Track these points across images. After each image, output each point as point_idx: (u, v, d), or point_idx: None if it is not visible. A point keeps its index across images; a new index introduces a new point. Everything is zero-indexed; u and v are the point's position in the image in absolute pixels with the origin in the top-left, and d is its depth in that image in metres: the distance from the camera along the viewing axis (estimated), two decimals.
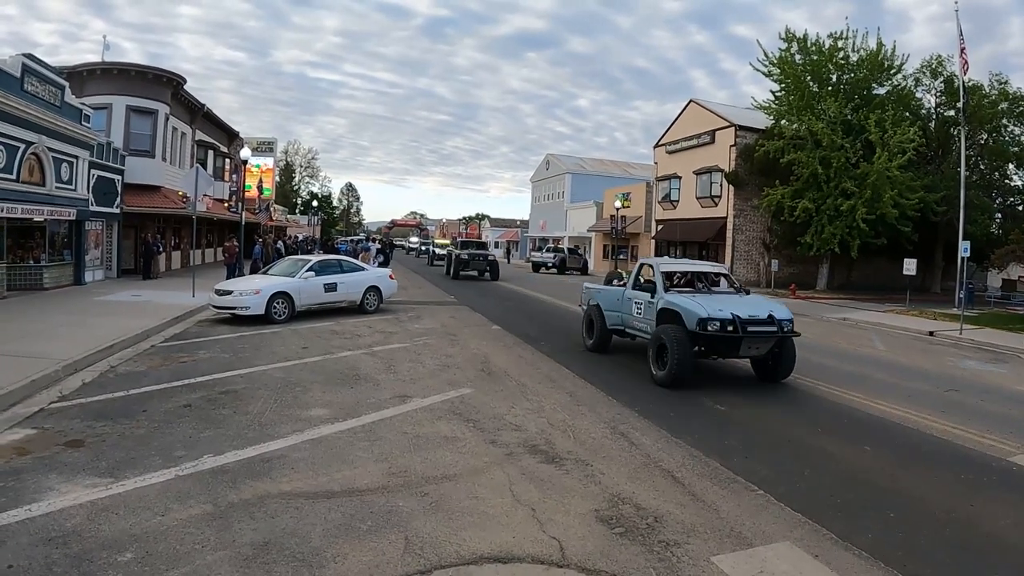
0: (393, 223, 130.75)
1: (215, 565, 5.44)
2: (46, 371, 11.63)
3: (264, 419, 9.71)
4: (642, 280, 15.62)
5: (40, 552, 5.53)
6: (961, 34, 32.45)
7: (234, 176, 47.49)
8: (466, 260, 42.83)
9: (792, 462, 8.70)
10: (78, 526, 6.04)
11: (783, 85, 41.94)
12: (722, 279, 16.04)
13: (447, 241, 75.01)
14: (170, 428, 9.11)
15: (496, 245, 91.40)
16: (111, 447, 8.22)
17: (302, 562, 5.52)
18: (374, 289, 23.30)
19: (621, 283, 17.34)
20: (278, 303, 19.91)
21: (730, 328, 12.46)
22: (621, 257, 61.52)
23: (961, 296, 28.26)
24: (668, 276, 15.22)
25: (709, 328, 12.44)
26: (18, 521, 6.09)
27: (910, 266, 30.45)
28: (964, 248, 27.08)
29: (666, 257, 17.78)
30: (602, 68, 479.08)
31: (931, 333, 23.83)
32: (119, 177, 31.22)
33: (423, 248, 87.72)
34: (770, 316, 13.02)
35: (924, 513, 7.24)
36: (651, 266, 15.44)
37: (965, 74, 34.08)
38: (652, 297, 14.38)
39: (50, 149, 24.19)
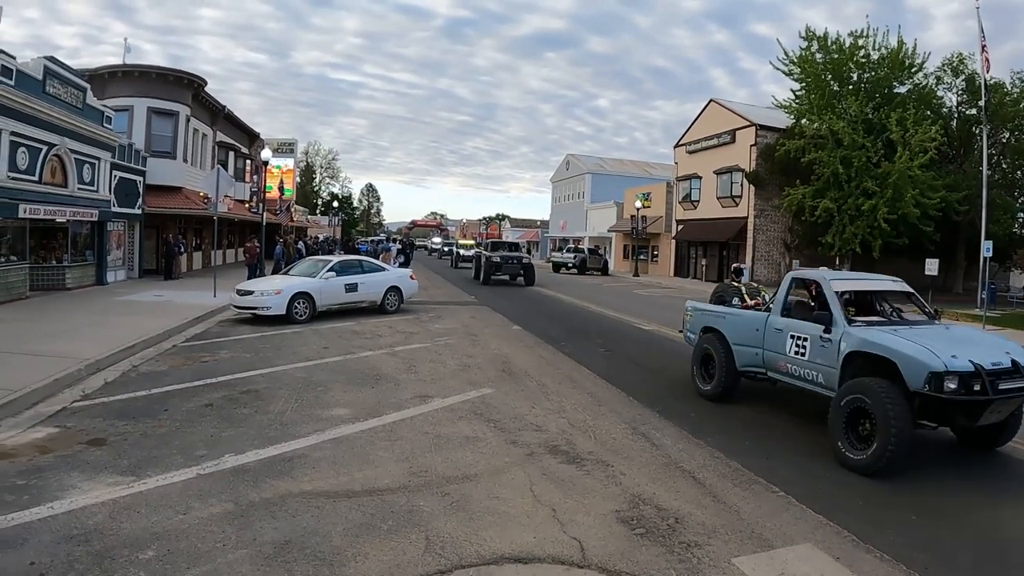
0: (413, 223, 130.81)
1: (236, 563, 5.46)
2: (68, 370, 11.71)
3: (285, 419, 9.74)
4: (796, 302, 11.22)
5: (62, 549, 5.57)
6: (982, 32, 32.23)
7: (255, 177, 47.72)
8: (498, 263, 38.66)
9: (814, 464, 8.64)
10: (100, 524, 6.08)
11: (803, 84, 41.70)
12: (909, 302, 11.84)
13: (472, 241, 72.77)
14: (192, 427, 9.15)
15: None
16: (133, 446, 8.27)
17: (323, 561, 5.53)
18: (395, 289, 23.33)
19: (755, 304, 12.79)
20: (299, 303, 19.97)
21: (977, 387, 7.95)
22: (641, 257, 61.36)
23: (983, 296, 28.04)
24: (845, 297, 10.40)
25: (946, 388, 7.88)
26: (40, 519, 6.13)
27: (932, 266, 30.20)
28: (986, 248, 26.92)
29: (825, 269, 11.03)
30: (622, 68, 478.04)
31: None
32: (140, 178, 31.41)
33: (446, 249, 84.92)
34: (1015, 364, 8.40)
35: (946, 516, 7.18)
36: (816, 282, 10.85)
37: (987, 72, 33.81)
38: (828, 331, 9.65)
39: (72, 151, 24.35)
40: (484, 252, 41.16)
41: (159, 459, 7.80)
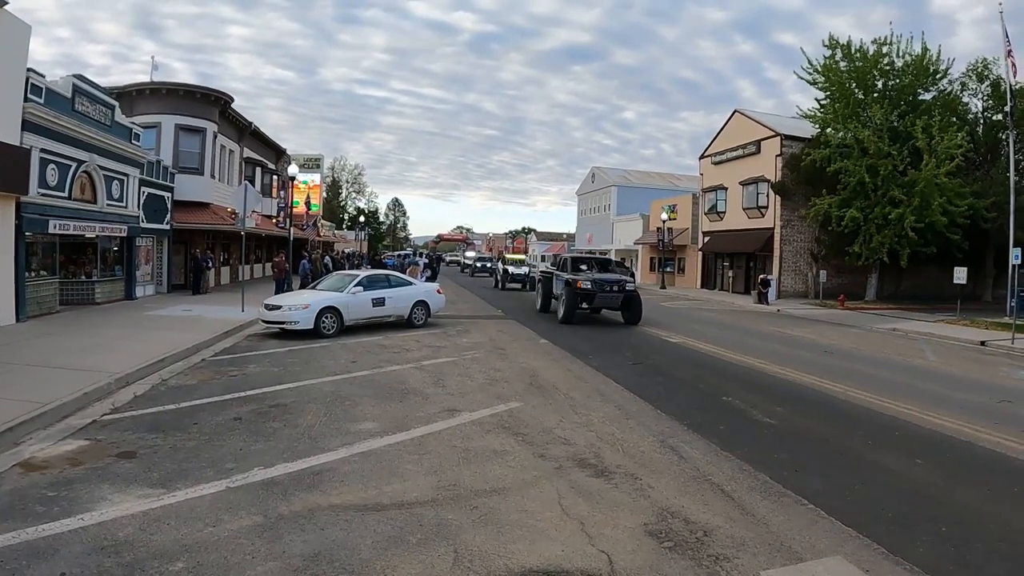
0: (440, 237, 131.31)
1: None
2: (99, 384, 11.83)
3: (314, 432, 9.78)
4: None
5: (93, 561, 5.63)
6: (1007, 36, 31.99)
7: (282, 192, 47.99)
8: (588, 292, 25.19)
9: (843, 475, 8.58)
10: (130, 536, 6.13)
11: (828, 93, 41.46)
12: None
13: (521, 256, 64.57)
14: (221, 440, 9.21)
15: (543, 259, 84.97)
16: (163, 459, 8.34)
17: (352, 574, 5.56)
18: (422, 303, 23.40)
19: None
20: (327, 318, 20.05)
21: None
22: (668, 270, 61.13)
23: (1013, 305, 27.73)
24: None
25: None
26: (71, 530, 6.21)
27: (960, 275, 29.89)
28: (1015, 255, 26.56)
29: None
30: (648, 80, 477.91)
31: (982, 343, 23.45)
32: (168, 194, 31.72)
33: (479, 264, 73.12)
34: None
35: (977, 527, 7.10)
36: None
37: (1013, 77, 33.52)
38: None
39: (101, 167, 24.62)
40: (560, 273, 27.73)
41: (188, 472, 7.85)
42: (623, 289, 25.77)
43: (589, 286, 25.17)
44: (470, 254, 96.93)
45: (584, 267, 28.00)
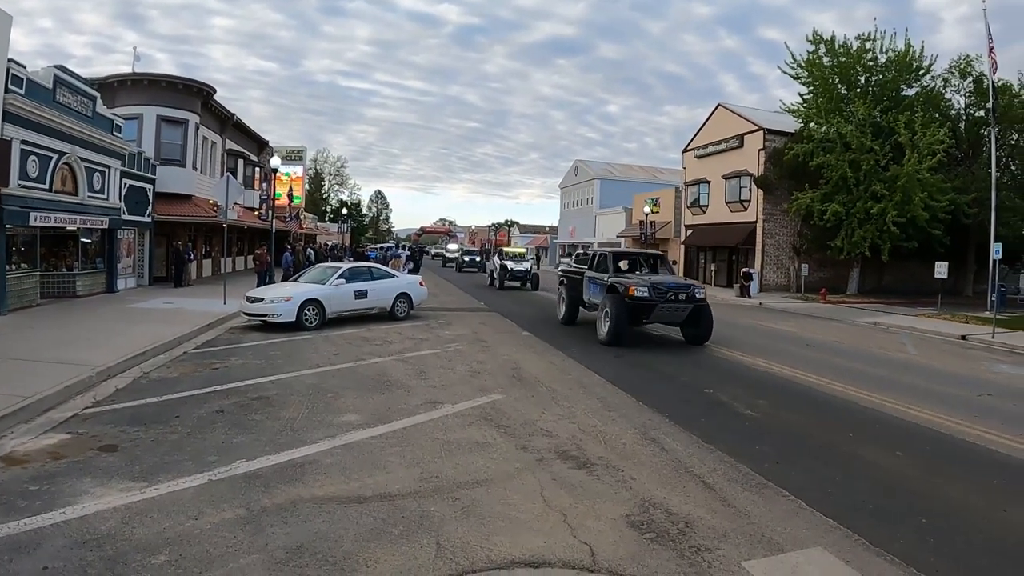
0: (422, 230, 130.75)
1: (248, 568, 5.48)
2: (80, 377, 11.76)
3: (296, 425, 9.77)
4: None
5: (75, 555, 5.61)
6: (989, 33, 32.12)
7: (264, 184, 47.83)
8: (648, 303, 18.71)
9: (824, 467, 8.64)
10: (112, 529, 6.11)
11: (811, 88, 41.70)
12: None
13: (522, 249, 54.80)
14: (203, 433, 9.19)
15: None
16: (145, 452, 8.31)
17: (334, 566, 5.55)
18: (404, 296, 23.39)
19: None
20: (309, 310, 20.02)
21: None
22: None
23: (993, 299, 27.93)
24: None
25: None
26: (53, 524, 6.18)
27: (941, 269, 30.12)
28: (996, 250, 26.77)
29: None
30: (633, 74, 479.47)
31: (963, 337, 23.59)
32: (150, 186, 31.58)
33: (466, 259, 67.02)
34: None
35: (957, 519, 7.17)
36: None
37: (994, 74, 33.70)
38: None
39: (82, 159, 24.50)
40: (597, 274, 21.16)
41: (171, 465, 7.83)
42: (692, 298, 18.88)
43: (646, 294, 18.28)
44: (453, 246, 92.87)
45: (625, 264, 22.43)
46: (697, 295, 19.01)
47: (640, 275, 20.44)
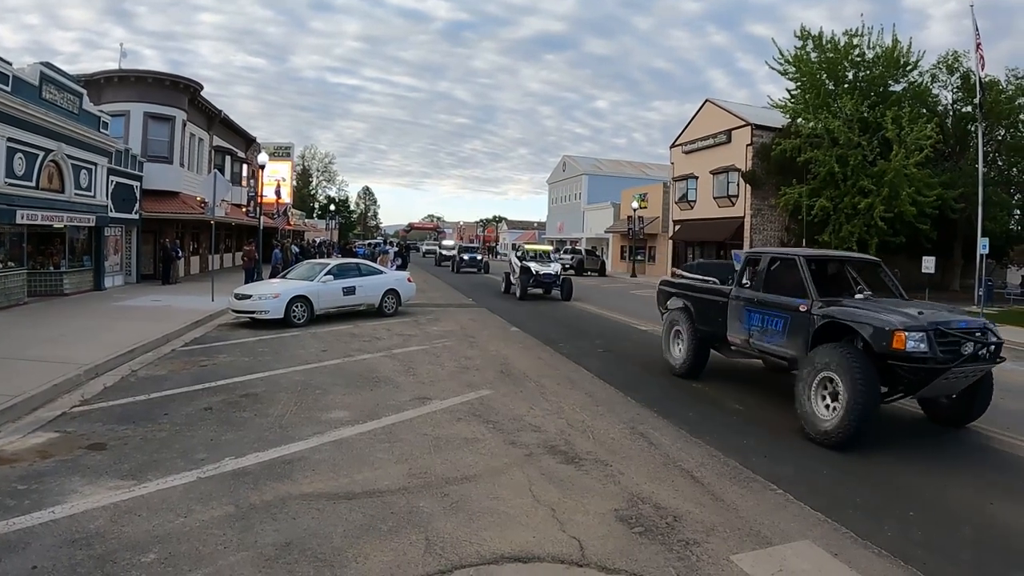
0: (411, 226, 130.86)
1: (237, 566, 5.48)
2: (68, 375, 11.73)
3: (285, 421, 9.76)
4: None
5: (64, 553, 5.59)
6: (977, 29, 32.24)
7: (251, 181, 47.70)
8: (936, 363, 9.13)
9: (811, 461, 8.68)
10: (101, 527, 6.10)
11: (799, 83, 41.75)
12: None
13: (548, 247, 41.12)
14: (191, 431, 9.18)
15: (514, 247, 74.96)
16: (133, 450, 8.29)
17: (324, 562, 5.56)
18: (392, 292, 23.36)
19: None
20: (297, 307, 19.98)
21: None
22: (639, 258, 61.26)
23: (980, 294, 28.10)
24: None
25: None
26: (42, 523, 6.16)
27: (929, 264, 30.28)
28: (983, 245, 26.94)
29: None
30: (621, 69, 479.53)
31: None
32: (137, 183, 31.44)
33: (466, 257, 56.81)
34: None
35: (944, 511, 7.23)
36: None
37: (982, 70, 33.85)
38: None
39: (69, 156, 24.39)
40: (780, 303, 11.39)
41: (159, 463, 7.82)
42: (994, 352, 9.74)
43: (925, 348, 9.10)
44: (449, 243, 78.73)
45: (832, 271, 13.26)
46: (995, 343, 9.83)
47: (880, 302, 10.98)
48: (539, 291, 32.62)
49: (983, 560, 6.15)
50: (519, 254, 35.63)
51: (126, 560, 5.50)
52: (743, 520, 6.70)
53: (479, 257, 58.30)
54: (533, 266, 32.12)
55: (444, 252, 69.93)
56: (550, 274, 31.86)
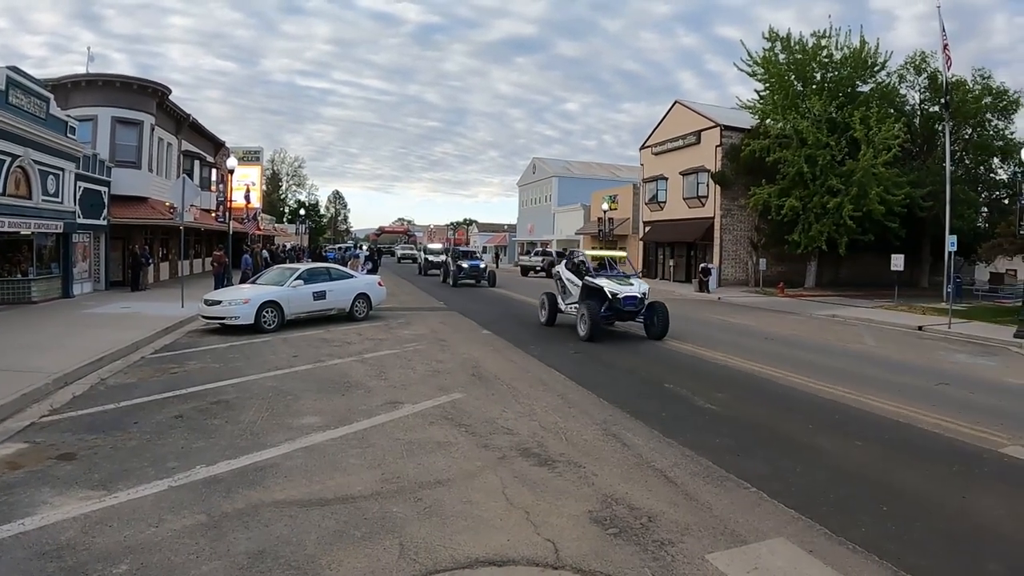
0: (381, 230, 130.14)
1: (210, 575, 5.44)
2: (36, 385, 11.59)
3: (256, 428, 9.71)
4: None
5: (35, 566, 5.53)
6: (943, 30, 32.71)
7: (221, 186, 47.39)
8: None
9: (784, 459, 8.73)
10: (72, 539, 6.03)
11: (767, 84, 42.01)
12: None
13: (619, 252, 28.11)
14: (162, 439, 9.10)
15: (484, 250, 69.04)
16: (103, 459, 8.21)
17: (297, 570, 5.53)
18: (363, 296, 23.29)
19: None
20: (267, 312, 19.89)
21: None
22: None
23: (949, 290, 28.39)
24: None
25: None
26: (12, 536, 6.09)
27: (898, 262, 30.59)
28: (951, 242, 27.22)
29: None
30: (591, 71, 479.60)
31: (920, 328, 23.92)
32: (105, 189, 31.12)
33: (465, 265, 42.90)
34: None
35: (917, 506, 7.28)
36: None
37: (949, 70, 34.28)
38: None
39: (36, 162, 24.13)
40: None
41: (130, 472, 7.75)
42: None
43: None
44: (437, 246, 64.26)
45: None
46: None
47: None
48: (603, 316, 19.97)
49: (957, 552, 6.21)
50: (577, 260, 23.62)
51: (97, 572, 5.44)
52: (717, 519, 6.72)
53: (482, 265, 44.28)
54: (610, 286, 19.95)
55: (431, 258, 56.11)
56: (633, 297, 19.87)
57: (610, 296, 19.76)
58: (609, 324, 20.79)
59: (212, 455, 8.38)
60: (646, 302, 20.20)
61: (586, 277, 21.00)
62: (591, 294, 20.40)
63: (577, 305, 20.70)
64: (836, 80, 40.90)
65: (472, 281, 42.66)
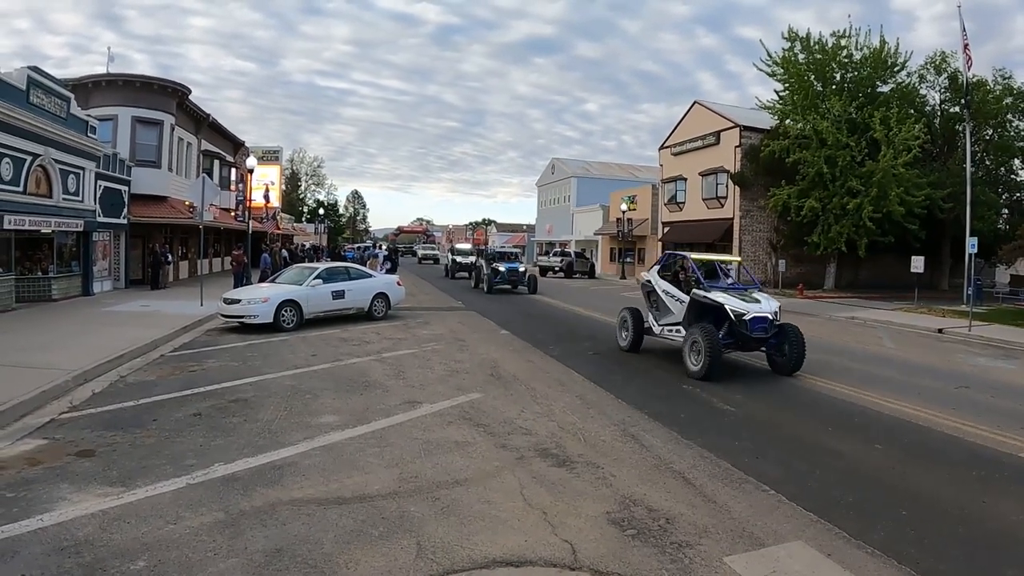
0: (400, 230, 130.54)
1: (227, 573, 5.44)
2: (56, 382, 11.65)
3: (274, 427, 9.72)
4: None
5: (53, 561, 5.55)
6: (964, 30, 32.44)
7: (240, 185, 47.57)
8: None
9: (803, 462, 8.68)
10: (90, 535, 6.05)
11: (787, 85, 41.77)
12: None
13: (732, 257, 24.60)
14: (181, 437, 9.12)
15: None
16: (122, 456, 8.24)
17: (314, 568, 5.52)
18: (382, 296, 23.33)
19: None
20: (286, 311, 19.95)
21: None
22: (628, 260, 61.24)
23: (969, 293, 28.13)
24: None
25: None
26: (30, 531, 6.11)
27: (918, 264, 30.34)
28: (971, 244, 27.02)
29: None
30: (610, 72, 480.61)
31: (940, 330, 23.75)
32: (125, 188, 31.30)
33: (503, 268, 37.41)
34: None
35: (936, 510, 7.22)
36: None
37: (969, 70, 34.01)
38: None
39: (57, 161, 24.27)
40: None
41: (148, 469, 7.77)
42: None
43: None
44: (465, 246, 61.03)
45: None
46: None
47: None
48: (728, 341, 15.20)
49: (976, 558, 6.14)
50: (677, 267, 18.41)
51: (115, 568, 5.46)
52: (736, 521, 6.68)
53: (521, 268, 38.85)
54: (732, 304, 14.89)
55: (459, 259, 51.46)
56: (765, 319, 14.92)
57: (733, 318, 14.71)
58: (726, 353, 15.26)
59: (230, 453, 8.40)
60: (776, 324, 15.22)
61: (695, 290, 15.76)
62: (704, 313, 15.43)
63: (680, 328, 15.92)
64: (856, 80, 40.64)
65: (509, 287, 37.85)
